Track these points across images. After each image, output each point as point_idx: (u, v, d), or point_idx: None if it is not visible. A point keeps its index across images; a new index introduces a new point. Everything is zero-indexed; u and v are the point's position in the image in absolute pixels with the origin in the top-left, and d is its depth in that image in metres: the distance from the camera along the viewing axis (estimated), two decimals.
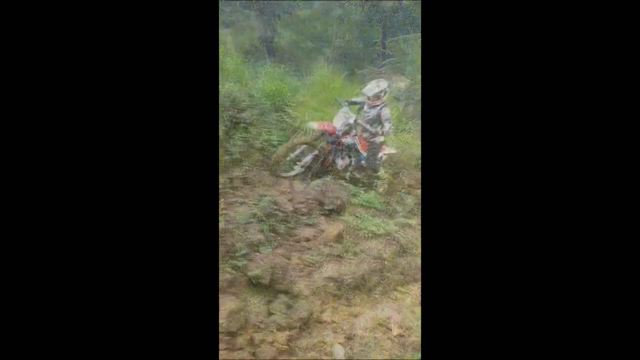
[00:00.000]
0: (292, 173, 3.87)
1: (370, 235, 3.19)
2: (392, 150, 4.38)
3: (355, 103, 4.13)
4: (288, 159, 3.80)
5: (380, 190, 4.02)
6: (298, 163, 3.86)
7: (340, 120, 3.92)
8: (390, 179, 4.16)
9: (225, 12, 13.33)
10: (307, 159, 3.88)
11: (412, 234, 3.40)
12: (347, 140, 3.97)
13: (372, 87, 3.96)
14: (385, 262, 3.07)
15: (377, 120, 3.98)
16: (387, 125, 3.95)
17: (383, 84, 3.97)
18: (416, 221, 3.57)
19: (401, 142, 4.84)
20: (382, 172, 4.12)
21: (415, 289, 3.03)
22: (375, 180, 4.07)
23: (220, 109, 3.61)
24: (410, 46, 6.93)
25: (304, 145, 3.88)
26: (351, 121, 3.89)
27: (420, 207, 3.68)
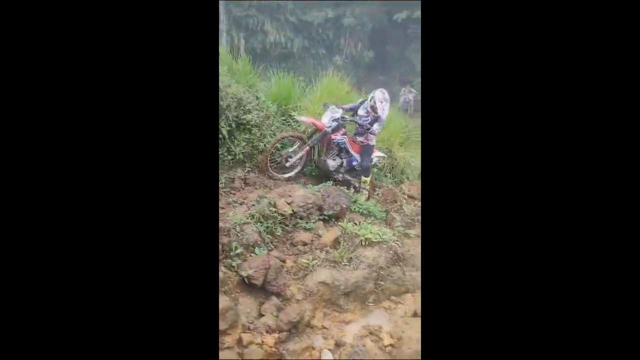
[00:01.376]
0: (287, 175, 3.90)
1: (366, 242, 3.18)
2: (381, 154, 4.37)
3: (350, 109, 4.10)
4: (280, 155, 3.82)
5: (377, 197, 4.01)
6: (290, 159, 3.87)
7: (327, 117, 3.95)
8: (371, 186, 4.09)
9: (239, 15, 13.54)
10: (299, 155, 3.89)
11: (410, 244, 3.37)
12: (337, 137, 3.96)
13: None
14: (381, 271, 3.05)
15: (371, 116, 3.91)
16: (381, 116, 3.87)
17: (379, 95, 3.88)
18: (415, 231, 3.55)
19: (414, 152, 4.87)
20: (369, 178, 4.06)
21: (409, 299, 3.00)
22: (360, 185, 4.02)
23: (227, 109, 3.64)
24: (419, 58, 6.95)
25: (297, 143, 3.88)
26: (337, 115, 3.90)
27: (420, 217, 3.65)
